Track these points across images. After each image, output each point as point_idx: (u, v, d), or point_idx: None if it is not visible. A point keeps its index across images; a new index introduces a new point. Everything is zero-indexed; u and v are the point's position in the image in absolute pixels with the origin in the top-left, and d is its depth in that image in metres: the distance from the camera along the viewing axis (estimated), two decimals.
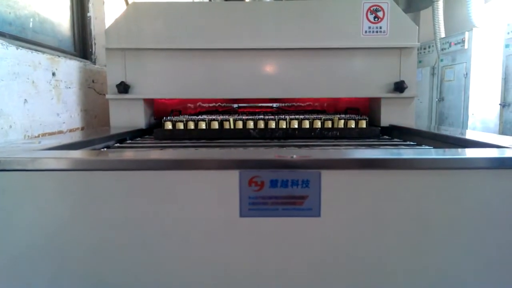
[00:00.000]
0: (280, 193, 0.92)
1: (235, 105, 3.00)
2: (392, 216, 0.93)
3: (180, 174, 0.93)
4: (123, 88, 1.97)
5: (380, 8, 1.97)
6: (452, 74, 5.93)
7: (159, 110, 2.26)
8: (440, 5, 5.45)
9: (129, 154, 1.15)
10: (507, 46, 4.74)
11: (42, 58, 1.75)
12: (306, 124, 1.81)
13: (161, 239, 0.94)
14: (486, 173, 0.92)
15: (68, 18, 2.21)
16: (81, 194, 0.94)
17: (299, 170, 0.91)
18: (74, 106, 2.04)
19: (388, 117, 2.05)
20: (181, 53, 1.99)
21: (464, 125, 5.58)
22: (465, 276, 0.95)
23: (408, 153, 1.09)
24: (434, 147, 1.43)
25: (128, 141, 1.73)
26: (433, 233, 0.93)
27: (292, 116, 1.84)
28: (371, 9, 1.97)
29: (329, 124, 1.80)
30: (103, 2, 2.39)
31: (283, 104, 2.94)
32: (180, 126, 1.77)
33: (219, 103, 2.86)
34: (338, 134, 1.77)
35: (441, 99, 6.25)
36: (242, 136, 1.76)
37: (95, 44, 2.37)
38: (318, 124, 1.80)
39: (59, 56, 1.92)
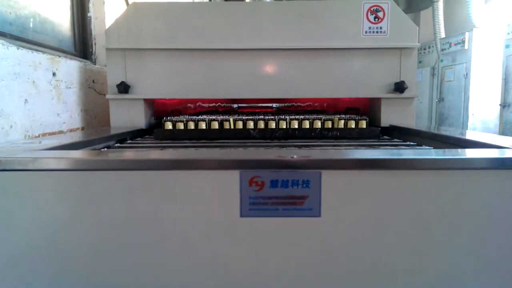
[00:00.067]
0: (280, 193, 0.92)
1: (235, 105, 3.00)
2: (392, 216, 0.93)
3: (180, 174, 0.93)
4: (123, 88, 1.97)
5: (380, 9, 1.97)
6: (452, 75, 5.93)
7: (159, 110, 2.26)
8: (440, 5, 5.45)
9: (129, 154, 1.15)
10: (507, 46, 4.74)
11: (42, 58, 1.75)
12: (306, 124, 1.80)
13: (161, 239, 0.94)
14: (486, 174, 0.92)
15: (69, 18, 2.21)
16: (81, 194, 0.94)
17: (299, 170, 0.91)
18: (74, 106, 2.04)
19: (388, 117, 2.05)
20: (181, 53, 2.00)
21: (464, 126, 5.58)
22: (465, 276, 0.95)
23: (408, 153, 1.09)
24: (434, 148, 1.43)
25: (128, 141, 1.73)
26: (433, 233, 0.93)
27: (292, 116, 1.83)
28: (371, 9, 1.97)
29: (329, 124, 1.80)
30: (104, 2, 2.39)
31: (283, 104, 2.94)
32: (180, 126, 1.77)
33: (219, 103, 2.86)
34: (338, 134, 1.77)
35: (441, 100, 6.25)
36: (242, 136, 1.76)
37: (95, 44, 2.37)
38: (318, 124, 1.80)
39: (59, 56, 1.92)
